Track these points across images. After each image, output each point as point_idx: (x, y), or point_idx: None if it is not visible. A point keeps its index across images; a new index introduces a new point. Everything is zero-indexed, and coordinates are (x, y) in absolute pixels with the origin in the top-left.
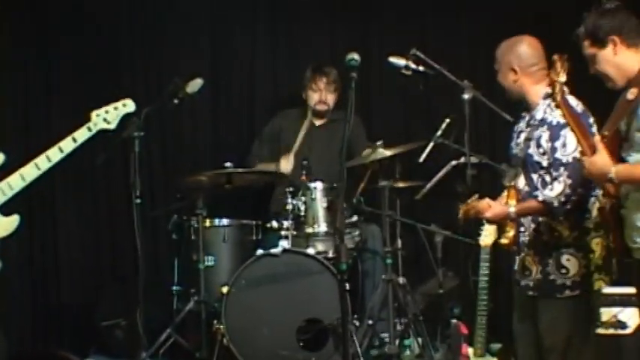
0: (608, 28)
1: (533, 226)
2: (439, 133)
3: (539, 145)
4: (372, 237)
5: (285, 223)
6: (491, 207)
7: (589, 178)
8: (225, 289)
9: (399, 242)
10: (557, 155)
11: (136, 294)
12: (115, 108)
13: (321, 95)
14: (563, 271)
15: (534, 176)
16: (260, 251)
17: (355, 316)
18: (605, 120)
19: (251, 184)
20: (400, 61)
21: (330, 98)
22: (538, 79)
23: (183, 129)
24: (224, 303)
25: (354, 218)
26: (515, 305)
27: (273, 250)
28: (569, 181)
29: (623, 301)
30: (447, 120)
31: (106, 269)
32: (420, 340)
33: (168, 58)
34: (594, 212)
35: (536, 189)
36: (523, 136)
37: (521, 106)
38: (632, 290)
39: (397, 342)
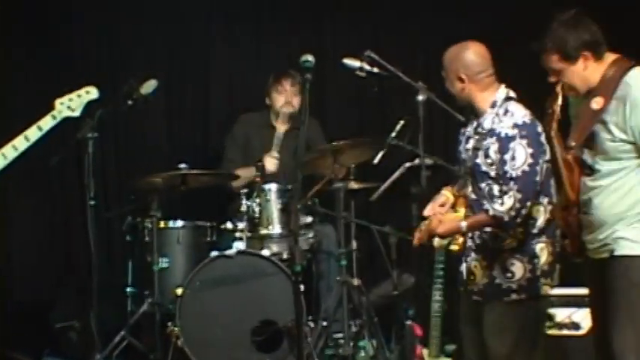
0: (579, 43)
1: (478, 232)
2: (394, 134)
3: (487, 156)
4: (327, 238)
5: (240, 225)
6: (442, 222)
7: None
8: (179, 291)
9: (354, 244)
10: (507, 168)
11: (90, 296)
12: (79, 96)
13: (286, 97)
14: (509, 275)
15: (482, 185)
16: (214, 253)
17: (310, 317)
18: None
19: (206, 186)
20: (354, 63)
21: (296, 101)
22: (485, 86)
23: (137, 130)
24: (178, 304)
25: (309, 219)
26: (461, 309)
27: (228, 252)
28: (519, 196)
29: (577, 302)
30: (402, 122)
31: (60, 271)
32: (374, 341)
33: (122, 59)
34: (540, 219)
35: (485, 198)
36: (471, 143)
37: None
38: (585, 291)
39: (352, 343)
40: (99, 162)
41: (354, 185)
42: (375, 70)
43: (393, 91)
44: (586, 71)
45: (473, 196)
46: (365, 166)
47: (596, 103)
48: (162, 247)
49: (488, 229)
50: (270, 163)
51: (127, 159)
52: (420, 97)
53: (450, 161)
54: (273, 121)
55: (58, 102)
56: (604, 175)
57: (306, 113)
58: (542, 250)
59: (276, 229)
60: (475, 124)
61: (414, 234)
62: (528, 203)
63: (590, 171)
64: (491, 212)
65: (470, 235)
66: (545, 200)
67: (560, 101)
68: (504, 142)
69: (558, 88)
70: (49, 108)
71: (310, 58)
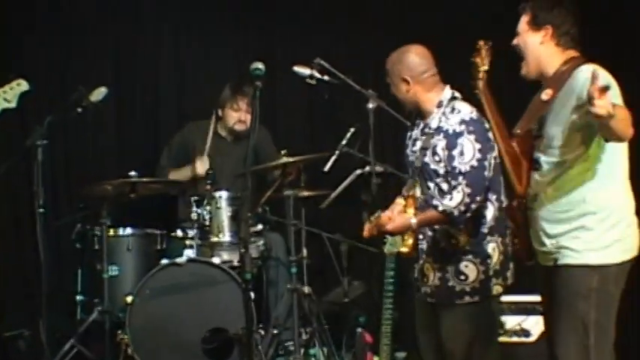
0: (549, 17)
1: (430, 233)
2: (344, 142)
3: (435, 153)
4: (277, 246)
5: (190, 233)
6: (392, 220)
7: (486, 185)
8: (129, 299)
9: (305, 251)
10: (455, 164)
11: (39, 304)
12: (11, 88)
13: (240, 115)
14: (462, 277)
15: (431, 184)
16: (165, 260)
17: (260, 325)
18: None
19: (156, 193)
20: (305, 71)
21: (248, 118)
22: (430, 87)
23: (87, 138)
24: (128, 313)
25: (259, 227)
26: (416, 316)
27: (178, 260)
28: (468, 190)
29: (528, 309)
30: (352, 129)
31: (8, 279)
32: (325, 349)
33: (71, 66)
34: (488, 216)
35: (434, 197)
36: (418, 144)
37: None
38: (536, 298)
39: (302, 351)
40: (48, 170)
41: (304, 193)
42: (326, 77)
43: (344, 99)
44: (541, 47)
45: (422, 197)
46: (315, 173)
47: (546, 94)
48: (111, 255)
49: (438, 227)
50: (200, 165)
51: (76, 167)
52: (370, 105)
53: (401, 169)
54: (220, 131)
55: None
56: (549, 169)
57: (255, 121)
58: (494, 250)
59: (226, 236)
60: (422, 125)
61: (364, 226)
62: (478, 198)
63: (538, 165)
64: (440, 208)
65: (422, 236)
66: (493, 197)
67: (485, 59)
68: (452, 138)
69: (480, 43)
70: None
71: (261, 66)
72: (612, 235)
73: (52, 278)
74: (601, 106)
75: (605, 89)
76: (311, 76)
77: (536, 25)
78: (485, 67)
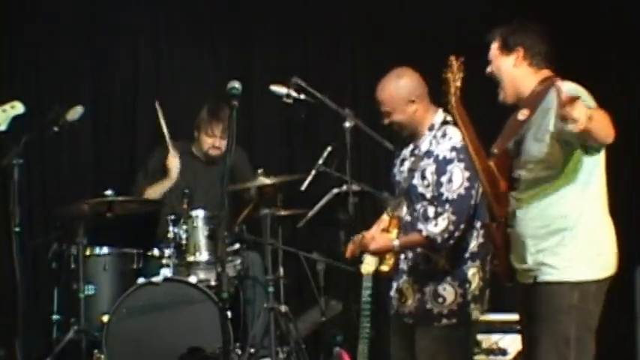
0: (520, 39)
1: (411, 255)
2: (321, 161)
3: (423, 177)
4: (254, 265)
5: (167, 252)
6: (375, 239)
7: (471, 213)
8: (105, 318)
9: (281, 270)
10: (443, 190)
11: (15, 323)
12: (4, 110)
13: (214, 141)
14: (440, 299)
15: (418, 206)
16: (141, 280)
17: (237, 344)
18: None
19: (132, 213)
20: (281, 90)
21: (223, 144)
22: (428, 107)
23: (63, 157)
24: (105, 332)
25: (236, 246)
26: (392, 335)
27: (155, 279)
28: (453, 218)
29: (504, 328)
30: (329, 148)
31: None
32: None
33: (47, 84)
34: (472, 243)
35: (419, 220)
36: (407, 165)
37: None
38: (514, 317)
39: None
40: (24, 189)
41: (281, 212)
42: (302, 96)
43: (321, 118)
44: (514, 69)
45: (408, 218)
46: (292, 192)
47: (522, 114)
48: (88, 274)
49: (419, 250)
50: (173, 164)
51: (52, 186)
52: (347, 124)
53: (378, 187)
54: (195, 152)
55: None
56: (526, 187)
57: (232, 141)
58: (473, 275)
59: (203, 255)
60: (412, 146)
61: (347, 246)
62: (462, 226)
63: (517, 184)
64: (424, 233)
65: (402, 256)
66: (478, 224)
67: (457, 75)
68: (442, 165)
69: (452, 58)
70: None
71: (237, 85)
72: (592, 251)
73: (28, 298)
74: (576, 114)
75: (574, 99)
76: (288, 95)
77: (506, 48)
78: (458, 84)
